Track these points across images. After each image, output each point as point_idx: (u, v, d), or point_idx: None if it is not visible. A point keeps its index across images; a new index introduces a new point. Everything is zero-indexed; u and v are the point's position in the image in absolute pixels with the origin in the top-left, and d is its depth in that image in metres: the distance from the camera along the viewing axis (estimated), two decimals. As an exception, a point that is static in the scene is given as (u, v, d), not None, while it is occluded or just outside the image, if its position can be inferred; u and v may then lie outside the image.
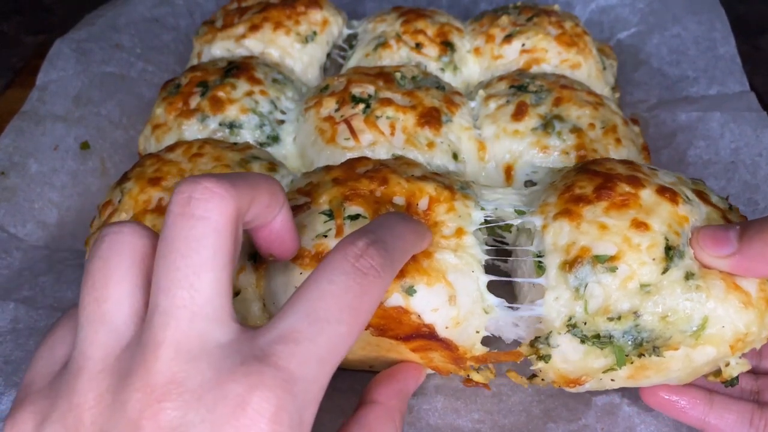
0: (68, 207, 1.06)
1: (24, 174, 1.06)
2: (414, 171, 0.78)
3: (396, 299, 0.66)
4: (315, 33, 1.19)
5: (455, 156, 0.94)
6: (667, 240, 0.66)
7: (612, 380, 0.69)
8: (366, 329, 0.67)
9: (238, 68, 1.05)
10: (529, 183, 0.94)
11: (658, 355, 0.65)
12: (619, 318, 0.65)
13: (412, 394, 0.80)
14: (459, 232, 0.71)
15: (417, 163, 0.82)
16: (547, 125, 0.95)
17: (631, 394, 0.79)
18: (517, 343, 0.73)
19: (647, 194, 0.70)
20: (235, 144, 0.91)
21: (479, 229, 0.73)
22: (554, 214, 0.71)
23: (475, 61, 1.17)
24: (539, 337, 0.70)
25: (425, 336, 0.68)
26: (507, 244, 0.82)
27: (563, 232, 0.69)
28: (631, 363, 0.66)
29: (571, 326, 0.66)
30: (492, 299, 0.70)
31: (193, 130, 0.99)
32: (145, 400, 0.42)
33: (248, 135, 0.99)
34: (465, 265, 0.69)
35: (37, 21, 1.66)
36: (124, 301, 0.47)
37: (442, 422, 0.78)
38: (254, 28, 1.16)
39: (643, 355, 0.66)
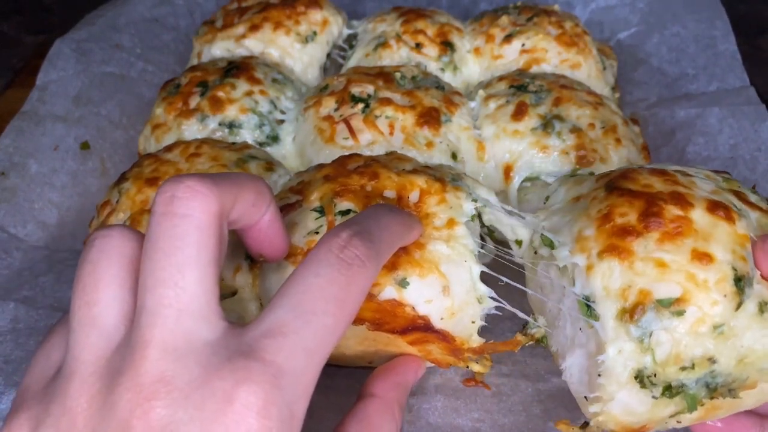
0: (68, 207, 1.06)
1: (24, 174, 1.06)
2: (405, 165, 0.78)
3: (389, 292, 0.66)
4: (315, 33, 1.19)
5: (454, 156, 0.94)
6: (735, 270, 0.59)
7: (678, 422, 0.63)
8: (362, 324, 0.67)
9: (238, 68, 1.05)
10: (526, 180, 0.94)
11: (734, 397, 0.60)
12: (693, 366, 0.59)
13: (412, 391, 0.80)
14: (450, 222, 0.71)
15: (409, 157, 0.81)
16: (546, 125, 0.95)
17: (631, 393, 0.79)
18: (513, 331, 0.73)
19: (699, 215, 0.62)
20: (233, 144, 0.91)
21: (471, 219, 0.73)
22: (599, 252, 0.63)
23: (475, 61, 1.17)
24: (527, 323, 0.70)
25: (421, 328, 0.67)
26: (507, 248, 0.78)
27: (614, 273, 0.62)
28: (702, 405, 0.60)
29: (640, 379, 0.60)
30: (483, 289, 0.69)
31: (192, 130, 0.99)
32: (134, 399, 0.42)
33: (248, 135, 0.99)
34: (457, 256, 0.68)
35: (37, 21, 1.66)
36: (113, 303, 0.47)
37: (441, 421, 0.78)
38: (254, 28, 1.17)
39: (716, 398, 0.60)
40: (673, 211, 0.63)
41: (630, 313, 0.60)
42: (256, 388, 0.42)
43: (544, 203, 0.78)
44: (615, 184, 0.68)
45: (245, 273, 0.76)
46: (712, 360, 0.58)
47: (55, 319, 0.88)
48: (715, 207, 0.63)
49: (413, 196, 0.73)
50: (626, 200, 0.65)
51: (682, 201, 0.64)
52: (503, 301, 0.70)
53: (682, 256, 0.60)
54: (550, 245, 0.69)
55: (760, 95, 1.16)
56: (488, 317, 0.71)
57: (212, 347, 0.44)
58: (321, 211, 0.72)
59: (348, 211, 0.71)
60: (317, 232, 0.70)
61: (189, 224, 0.46)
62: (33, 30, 1.62)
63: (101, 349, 0.46)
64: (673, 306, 0.59)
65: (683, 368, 0.59)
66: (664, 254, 0.60)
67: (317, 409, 0.79)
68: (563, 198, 0.74)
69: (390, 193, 0.73)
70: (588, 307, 0.63)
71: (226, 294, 0.77)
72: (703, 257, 0.60)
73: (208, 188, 0.47)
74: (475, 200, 0.75)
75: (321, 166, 0.81)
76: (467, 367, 0.72)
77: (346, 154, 0.90)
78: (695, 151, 1.10)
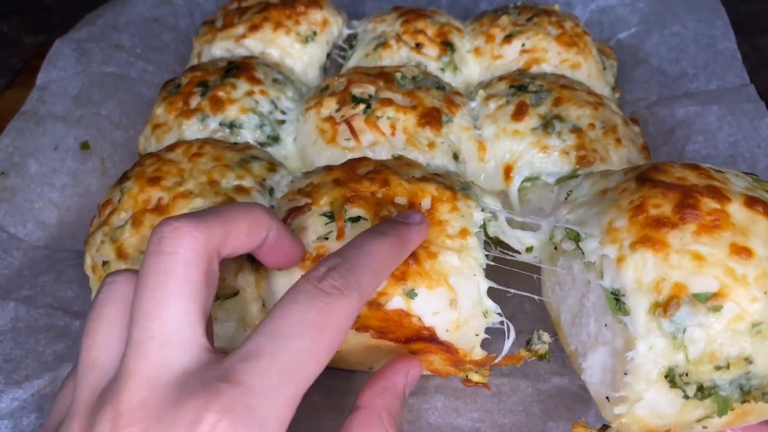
0: (68, 207, 1.06)
1: (24, 174, 1.07)
2: (414, 172, 0.78)
3: (397, 302, 0.66)
4: (315, 33, 1.19)
5: (455, 156, 0.94)
6: None
7: (704, 427, 0.60)
8: (366, 331, 0.67)
9: (238, 68, 1.05)
10: (526, 180, 0.94)
11: (766, 402, 0.57)
12: (728, 366, 0.56)
13: (412, 391, 0.80)
14: (463, 232, 0.71)
15: (417, 164, 0.81)
16: (547, 125, 0.95)
17: (631, 393, 0.79)
18: (517, 345, 0.72)
19: (736, 209, 0.60)
20: (235, 144, 0.91)
21: (480, 228, 0.73)
22: (631, 243, 0.60)
23: (475, 61, 1.17)
24: (531, 339, 0.70)
25: (425, 339, 0.68)
26: (513, 251, 0.78)
27: (647, 265, 0.59)
28: (732, 410, 0.57)
29: (670, 378, 0.57)
30: (490, 304, 0.69)
31: (193, 130, 0.99)
32: (113, 428, 0.44)
33: (248, 135, 0.99)
34: (467, 269, 0.69)
35: (37, 21, 1.66)
36: (112, 344, 0.50)
37: (441, 421, 0.78)
38: (254, 28, 1.16)
39: (748, 401, 0.57)
40: (709, 203, 0.60)
41: (663, 307, 0.57)
42: (225, 408, 0.43)
43: (566, 198, 0.76)
44: (647, 176, 0.66)
45: (247, 274, 0.76)
46: (748, 360, 0.56)
47: (55, 318, 0.89)
48: (753, 202, 0.61)
49: (425, 202, 0.73)
50: (660, 192, 0.63)
51: (719, 194, 0.61)
52: (509, 323, 0.70)
53: (719, 250, 0.57)
54: (576, 238, 0.66)
55: (760, 95, 1.16)
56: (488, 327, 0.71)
57: (191, 375, 0.46)
58: (331, 216, 0.72)
59: (358, 218, 0.71)
60: (326, 238, 0.70)
61: (173, 261, 0.49)
62: (33, 30, 1.62)
63: (96, 386, 0.48)
64: (710, 301, 0.56)
65: (717, 368, 0.56)
66: (701, 247, 0.58)
67: (317, 409, 0.80)
68: (588, 191, 0.72)
69: (401, 200, 0.73)
70: (617, 301, 0.60)
71: (228, 294, 0.77)
72: (742, 251, 0.57)
73: (193, 226, 0.50)
74: (484, 209, 0.75)
75: (330, 168, 0.81)
76: (466, 376, 0.72)
77: (355, 157, 0.90)
78: (695, 149, 1.10)
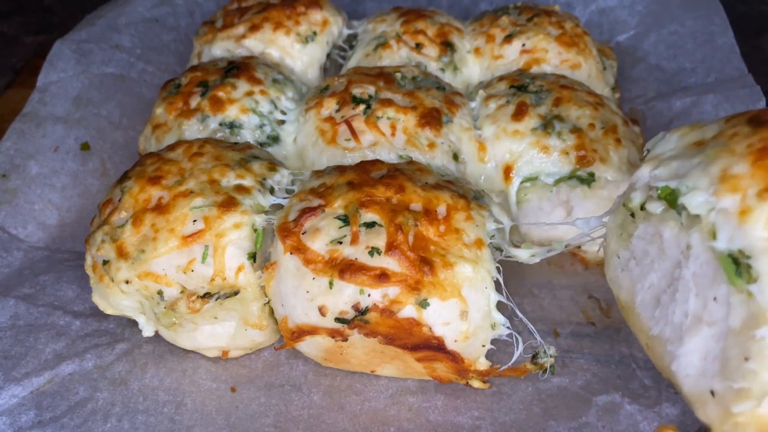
0: (68, 208, 1.07)
1: (25, 176, 1.07)
2: (428, 178, 0.78)
3: (409, 311, 0.67)
4: (315, 33, 1.19)
5: (455, 156, 0.94)
6: None
7: None
8: (374, 337, 0.68)
9: (238, 68, 1.05)
10: (526, 180, 0.94)
11: None
12: None
13: (413, 390, 0.80)
14: (478, 242, 0.71)
15: (429, 169, 0.82)
16: (547, 125, 0.95)
17: (632, 393, 0.79)
18: (523, 357, 0.73)
19: None
20: (236, 143, 0.91)
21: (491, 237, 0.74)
22: (759, 191, 0.48)
23: (475, 61, 1.18)
24: (537, 353, 0.70)
25: (433, 347, 0.69)
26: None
27: None
28: None
29: None
30: (499, 317, 0.70)
31: (193, 130, 0.99)
32: None
33: (248, 135, 0.99)
34: (480, 281, 0.69)
35: (37, 21, 1.66)
36: None
37: (442, 419, 0.78)
38: (254, 28, 1.17)
39: None
40: None
41: None
42: None
43: (642, 158, 0.64)
44: (764, 118, 0.53)
45: (248, 272, 0.76)
46: None
47: (55, 317, 0.89)
48: None
49: (441, 210, 0.73)
50: None
51: None
52: (518, 336, 0.71)
53: None
54: (670, 196, 0.55)
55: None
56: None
57: None
58: (345, 219, 0.72)
59: (373, 224, 0.71)
60: (340, 242, 0.70)
61: None
62: (33, 30, 1.62)
63: None
64: None
65: None
66: None
67: (318, 408, 0.80)
68: (677, 145, 0.61)
69: (416, 207, 0.73)
70: (737, 265, 0.49)
71: (228, 294, 0.77)
72: None
73: None
74: (497, 222, 0.75)
75: (342, 169, 0.81)
76: (467, 383, 0.73)
77: (352, 157, 0.90)
78: (692, 139, 1.10)
